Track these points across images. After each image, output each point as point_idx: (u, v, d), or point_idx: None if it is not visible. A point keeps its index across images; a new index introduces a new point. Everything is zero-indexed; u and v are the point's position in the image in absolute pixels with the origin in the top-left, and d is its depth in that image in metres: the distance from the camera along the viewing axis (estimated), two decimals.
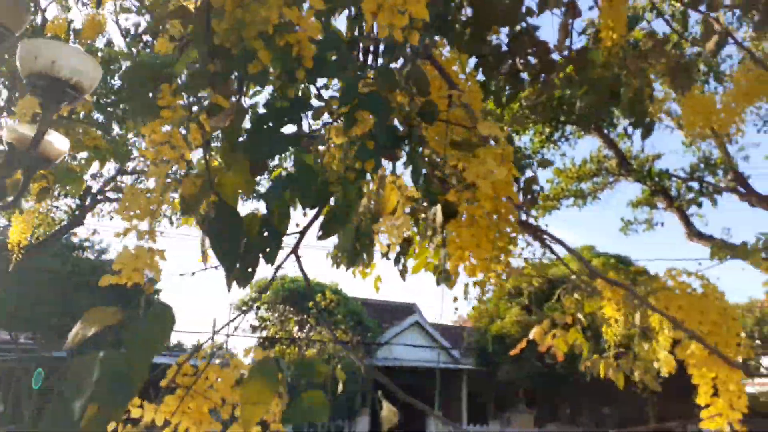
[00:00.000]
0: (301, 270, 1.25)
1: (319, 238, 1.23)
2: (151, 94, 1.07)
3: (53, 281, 12.68)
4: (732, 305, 1.55)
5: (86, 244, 14.78)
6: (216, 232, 1.03)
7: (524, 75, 2.85)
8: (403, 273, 1.71)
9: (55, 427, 0.82)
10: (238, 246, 1.03)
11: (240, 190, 1.19)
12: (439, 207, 1.31)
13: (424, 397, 11.36)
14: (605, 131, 8.13)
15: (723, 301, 1.53)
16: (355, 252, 1.34)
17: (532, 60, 2.76)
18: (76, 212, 10.19)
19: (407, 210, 1.55)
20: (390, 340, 17.16)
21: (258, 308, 16.92)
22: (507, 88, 2.76)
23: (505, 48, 2.61)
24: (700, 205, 7.91)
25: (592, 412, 16.40)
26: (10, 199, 1.72)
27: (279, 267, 1.21)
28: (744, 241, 2.22)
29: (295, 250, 1.24)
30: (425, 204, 1.32)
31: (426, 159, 1.31)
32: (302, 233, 1.26)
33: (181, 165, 1.00)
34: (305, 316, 15.64)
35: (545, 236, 1.81)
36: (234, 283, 1.12)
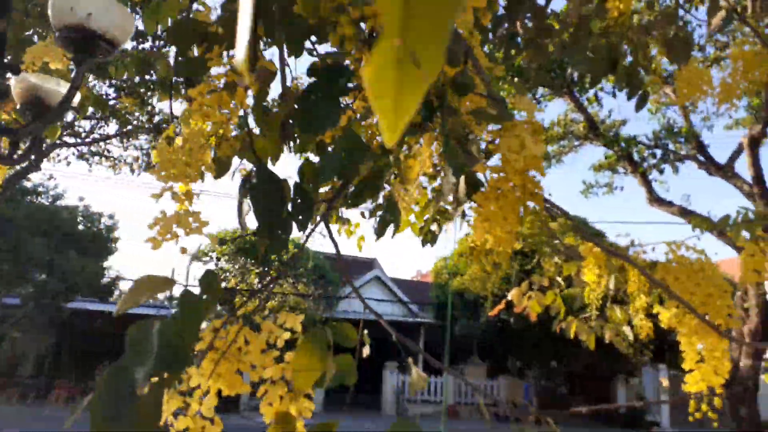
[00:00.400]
0: (332, 239, 1.26)
1: (349, 206, 1.23)
2: (196, 53, 1.03)
3: (6, 227, 12.26)
4: (724, 279, 1.63)
5: (41, 189, 14.28)
6: (258, 196, 1.02)
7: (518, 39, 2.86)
8: (380, 231, 1.70)
9: (118, 395, 0.82)
10: (281, 211, 1.03)
11: (272, 156, 1.18)
12: (463, 178, 1.32)
13: (385, 350, 11.62)
14: (576, 95, 8.23)
15: (717, 275, 1.62)
16: (385, 221, 1.34)
17: (529, 24, 2.76)
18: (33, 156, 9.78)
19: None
20: (350, 294, 17.41)
21: (218, 259, 16.82)
22: (503, 51, 2.77)
23: (502, 11, 2.60)
24: (662, 171, 8.17)
25: (541, 367, 17.14)
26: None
27: (309, 234, 1.21)
28: (726, 214, 2.32)
29: (324, 219, 1.24)
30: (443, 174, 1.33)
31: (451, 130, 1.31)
32: (330, 201, 1.26)
33: (226, 130, 0.98)
34: (266, 268, 15.65)
35: (548, 204, 1.86)
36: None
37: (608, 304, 3.23)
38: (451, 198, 1.44)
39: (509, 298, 3.32)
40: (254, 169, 1.04)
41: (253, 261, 16.34)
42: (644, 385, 17.00)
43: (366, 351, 1.22)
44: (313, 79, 1.04)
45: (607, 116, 9.28)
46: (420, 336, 17.38)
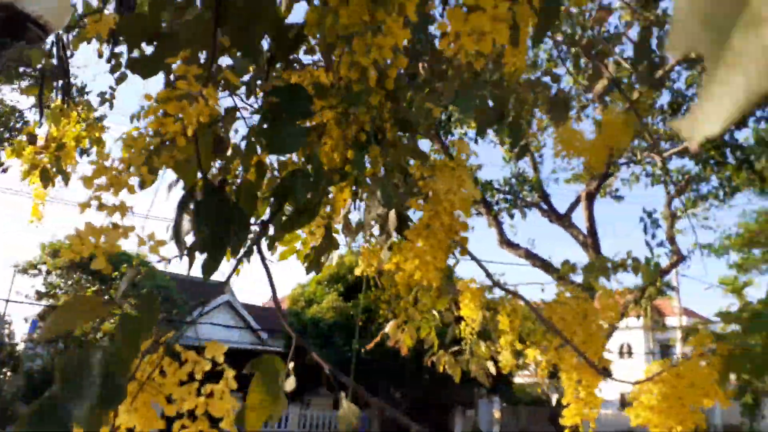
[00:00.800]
0: (264, 262, 1.20)
1: (285, 231, 1.20)
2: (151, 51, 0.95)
3: None
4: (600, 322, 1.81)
5: None
6: (207, 215, 0.96)
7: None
8: (317, 260, 1.70)
9: (50, 428, 0.73)
10: (228, 231, 0.97)
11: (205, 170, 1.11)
12: (394, 213, 1.35)
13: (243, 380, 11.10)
14: (441, 137, 8.71)
15: (597, 318, 1.79)
16: (322, 249, 1.32)
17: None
18: None
19: None
20: (198, 319, 16.49)
21: (48, 273, 15.15)
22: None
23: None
24: (512, 216, 8.91)
25: (387, 396, 17.49)
26: None
27: (240, 260, 1.16)
28: (591, 261, 2.55)
29: (257, 243, 1.18)
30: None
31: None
32: (265, 225, 1.20)
33: (180, 141, 0.91)
34: (103, 287, 14.37)
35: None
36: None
37: (473, 338, 3.41)
38: (375, 230, 1.46)
39: (386, 330, 3.38)
40: (203, 185, 0.98)
41: (89, 277, 14.96)
42: (479, 417, 18.02)
43: (291, 383, 1.17)
44: (275, 99, 1.01)
45: (465, 160, 9.90)
46: None
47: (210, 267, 1.00)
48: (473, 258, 1.67)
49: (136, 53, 0.98)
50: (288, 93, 1.03)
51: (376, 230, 1.47)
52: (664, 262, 10.11)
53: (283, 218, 1.22)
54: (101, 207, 0.97)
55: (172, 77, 0.99)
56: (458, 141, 1.27)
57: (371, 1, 0.74)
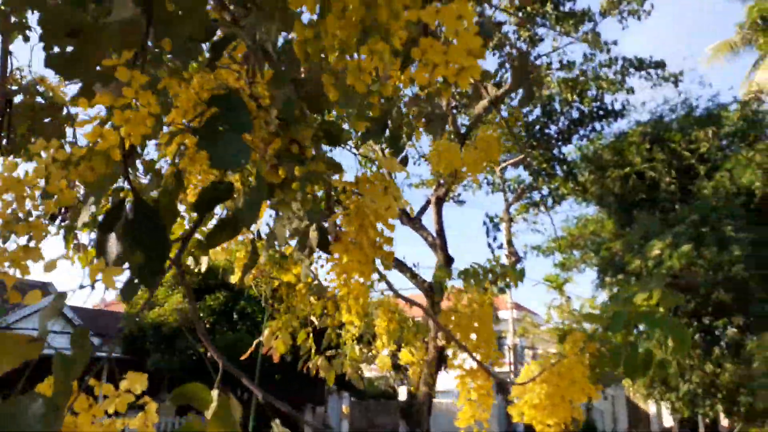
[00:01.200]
0: (182, 276, 1.10)
1: (206, 247, 1.12)
2: (72, 50, 0.83)
3: None
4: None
5: None
6: (139, 235, 0.86)
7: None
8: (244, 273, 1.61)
9: None
10: (164, 251, 0.88)
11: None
12: (315, 228, 1.32)
13: None
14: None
15: (490, 323, 1.90)
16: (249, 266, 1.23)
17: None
18: None
19: None
20: (15, 323, 14.73)
21: None
22: None
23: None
24: None
25: (235, 395, 17.00)
26: None
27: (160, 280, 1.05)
28: (470, 266, 2.70)
29: (177, 260, 1.08)
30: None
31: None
32: (184, 241, 1.11)
33: (114, 154, 0.81)
34: None
35: None
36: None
37: (348, 342, 3.44)
38: (291, 242, 1.41)
39: (262, 338, 3.28)
40: (134, 204, 0.88)
41: None
42: (329, 413, 18.18)
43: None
44: (213, 109, 0.94)
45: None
46: (102, 372, 15.49)
47: (133, 293, 0.91)
48: (380, 274, 1.69)
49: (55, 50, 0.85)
50: (227, 102, 0.96)
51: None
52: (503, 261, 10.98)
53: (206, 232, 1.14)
54: (6, 225, 0.83)
55: (97, 84, 0.87)
56: (388, 159, 1.27)
57: (362, 31, 0.72)
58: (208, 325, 13.12)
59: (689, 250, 8.76)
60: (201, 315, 13.80)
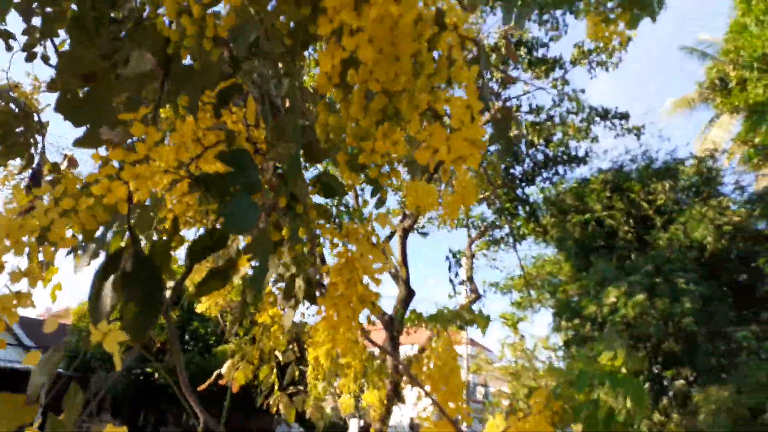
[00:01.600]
0: (170, 331, 1.07)
1: (196, 296, 1.10)
2: (84, 94, 0.81)
3: None
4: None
5: None
6: (136, 286, 0.84)
7: None
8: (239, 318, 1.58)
9: None
10: (159, 302, 0.86)
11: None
12: (302, 278, 1.31)
13: None
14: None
15: (460, 374, 1.90)
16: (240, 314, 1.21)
17: None
18: None
19: None
20: None
21: None
22: None
23: None
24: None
25: (177, 421, 16.47)
26: None
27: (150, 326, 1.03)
28: (439, 311, 2.72)
29: (166, 310, 1.06)
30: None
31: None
32: (174, 290, 1.09)
33: (122, 207, 0.79)
34: None
35: None
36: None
37: (312, 382, 3.38)
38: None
39: (222, 370, 3.21)
40: (133, 253, 0.86)
41: None
42: None
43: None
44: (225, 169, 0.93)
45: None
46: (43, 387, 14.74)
47: (130, 339, 0.88)
48: (363, 331, 1.68)
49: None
50: (237, 161, 0.96)
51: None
52: (462, 298, 11.08)
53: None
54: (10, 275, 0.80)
55: (104, 128, 0.86)
56: (380, 214, 1.28)
57: (384, 116, 0.74)
58: (158, 345, 12.72)
59: (643, 299, 9.00)
60: (151, 333, 13.40)
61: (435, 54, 0.74)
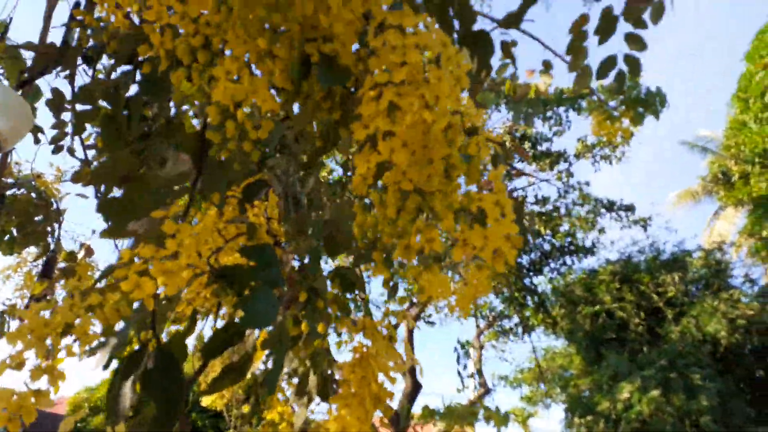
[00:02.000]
0: (182, 423, 1.04)
1: (209, 392, 1.07)
2: (123, 196, 0.83)
3: None
4: None
5: None
6: (157, 386, 0.82)
7: None
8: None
9: None
10: (178, 407, 0.83)
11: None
12: (315, 378, 1.28)
13: None
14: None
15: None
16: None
17: None
18: None
19: None
20: None
21: None
22: None
23: None
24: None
25: None
26: None
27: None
28: (451, 408, 2.64)
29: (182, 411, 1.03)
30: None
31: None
32: (194, 377, 1.06)
33: (149, 303, 0.79)
34: None
35: None
36: None
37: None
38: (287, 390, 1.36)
39: None
40: (156, 352, 0.85)
41: None
42: None
43: None
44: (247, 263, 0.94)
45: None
46: None
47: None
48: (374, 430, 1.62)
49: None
50: (260, 256, 0.97)
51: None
52: (470, 392, 10.72)
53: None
54: (18, 366, 0.79)
55: (134, 225, 0.88)
56: (400, 312, 1.27)
57: (418, 214, 0.76)
58: None
59: (658, 395, 8.69)
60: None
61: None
